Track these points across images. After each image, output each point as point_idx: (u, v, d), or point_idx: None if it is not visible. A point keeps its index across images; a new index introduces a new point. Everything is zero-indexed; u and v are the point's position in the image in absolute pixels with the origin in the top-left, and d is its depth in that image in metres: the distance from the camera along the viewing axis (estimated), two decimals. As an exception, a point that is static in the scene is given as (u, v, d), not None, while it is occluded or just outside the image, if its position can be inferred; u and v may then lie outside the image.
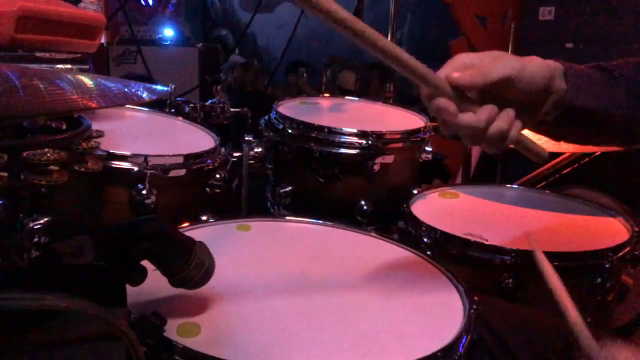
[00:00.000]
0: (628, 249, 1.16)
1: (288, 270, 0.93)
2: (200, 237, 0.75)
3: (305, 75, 6.25)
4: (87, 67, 1.40)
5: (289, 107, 1.69)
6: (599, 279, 1.10)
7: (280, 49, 4.16)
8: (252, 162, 1.47)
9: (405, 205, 1.30)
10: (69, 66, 1.32)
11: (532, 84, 0.78)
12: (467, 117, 0.76)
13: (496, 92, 0.78)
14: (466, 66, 0.78)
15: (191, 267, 0.71)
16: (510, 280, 1.07)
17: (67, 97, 0.60)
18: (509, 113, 0.78)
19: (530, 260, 1.07)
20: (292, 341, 0.74)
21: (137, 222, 0.70)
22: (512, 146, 0.83)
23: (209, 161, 1.27)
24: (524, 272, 1.08)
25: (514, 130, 0.78)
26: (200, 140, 1.39)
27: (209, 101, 1.62)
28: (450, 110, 0.75)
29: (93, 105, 0.62)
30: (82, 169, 0.84)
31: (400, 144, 1.48)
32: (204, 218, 1.12)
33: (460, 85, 0.75)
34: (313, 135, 1.42)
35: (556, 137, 0.92)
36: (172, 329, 0.72)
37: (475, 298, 0.84)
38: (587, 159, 2.24)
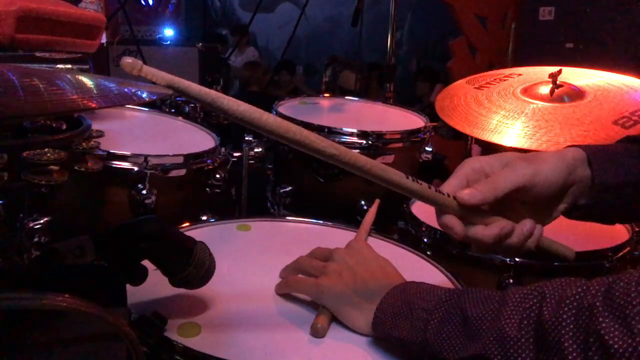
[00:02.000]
0: (628, 249, 1.16)
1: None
2: (200, 237, 0.75)
3: (298, 74, 6.27)
4: (87, 67, 1.40)
5: (289, 107, 1.69)
6: (599, 279, 1.10)
7: (280, 49, 4.17)
8: (252, 162, 1.47)
9: (405, 205, 1.30)
10: (69, 66, 1.32)
11: (546, 186, 0.73)
12: (477, 233, 0.72)
13: (509, 198, 0.73)
14: (476, 172, 0.74)
15: (191, 267, 0.71)
16: (510, 280, 1.07)
17: (67, 97, 0.60)
18: (523, 229, 0.73)
19: (530, 260, 1.08)
20: (292, 341, 0.74)
21: (137, 222, 0.70)
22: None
23: (209, 161, 1.27)
24: (524, 272, 1.08)
25: (530, 242, 0.74)
26: (200, 140, 1.39)
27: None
28: (456, 230, 0.71)
29: (93, 105, 0.62)
30: (82, 169, 0.84)
31: (400, 144, 1.48)
32: (204, 218, 1.13)
33: (470, 205, 0.71)
34: (313, 135, 1.42)
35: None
36: (172, 329, 0.72)
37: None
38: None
